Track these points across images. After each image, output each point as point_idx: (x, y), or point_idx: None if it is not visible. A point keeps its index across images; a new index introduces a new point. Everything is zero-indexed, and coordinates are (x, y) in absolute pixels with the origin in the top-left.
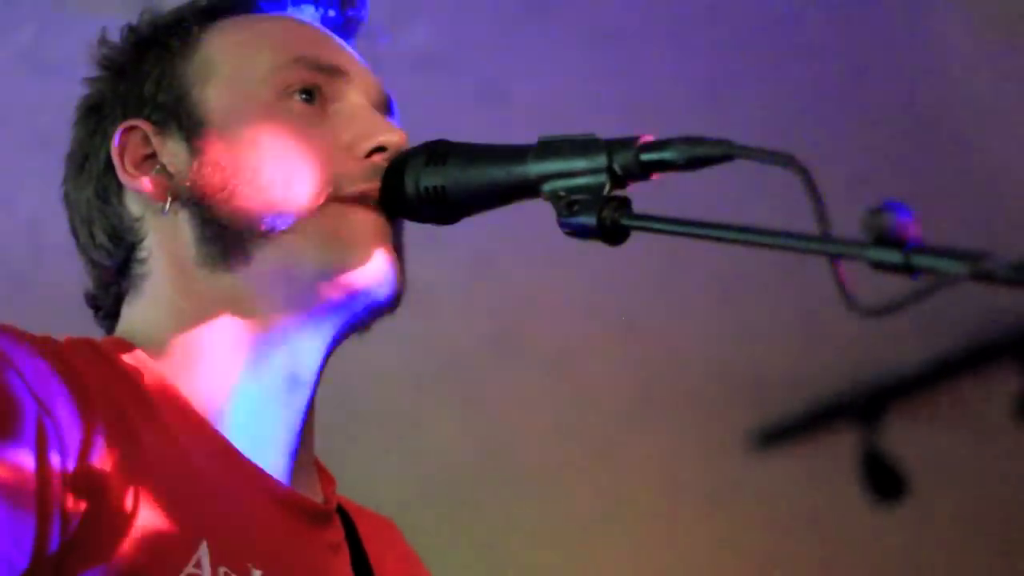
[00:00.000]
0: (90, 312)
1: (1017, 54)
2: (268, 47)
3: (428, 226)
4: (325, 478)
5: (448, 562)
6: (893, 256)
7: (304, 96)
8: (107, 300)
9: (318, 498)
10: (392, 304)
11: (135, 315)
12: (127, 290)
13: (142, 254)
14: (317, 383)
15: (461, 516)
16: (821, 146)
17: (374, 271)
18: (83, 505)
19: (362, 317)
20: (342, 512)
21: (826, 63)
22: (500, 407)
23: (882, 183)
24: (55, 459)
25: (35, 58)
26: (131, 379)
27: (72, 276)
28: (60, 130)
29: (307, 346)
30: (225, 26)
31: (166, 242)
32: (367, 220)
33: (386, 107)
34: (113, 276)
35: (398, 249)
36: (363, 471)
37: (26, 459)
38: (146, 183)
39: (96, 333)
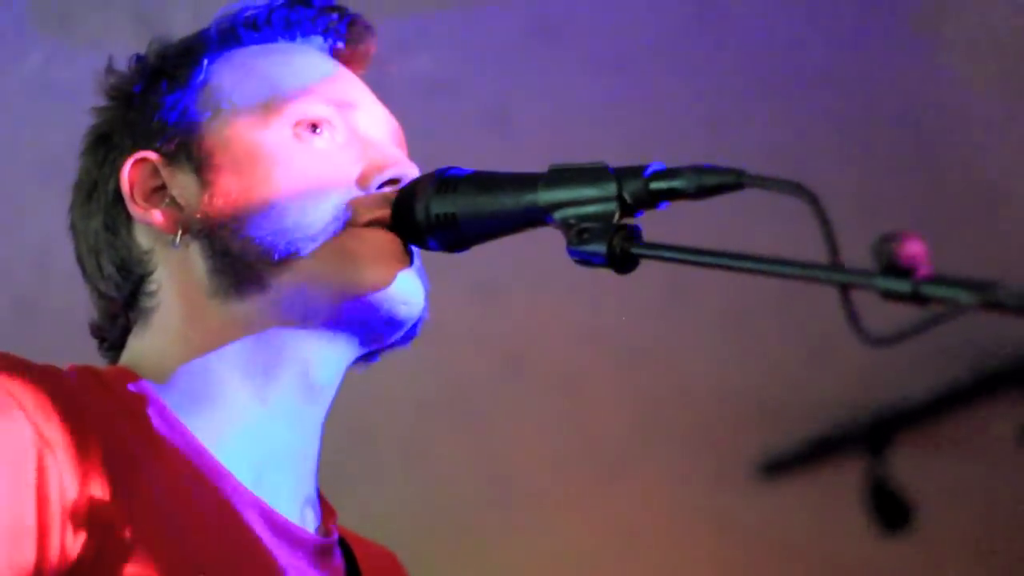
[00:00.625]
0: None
1: (1021, 79)
2: (278, 79)
3: (434, 253)
4: (327, 510)
5: None
6: (902, 285)
7: (315, 129)
8: (113, 331)
9: (319, 530)
10: (411, 322)
11: (142, 346)
12: (135, 321)
13: (151, 287)
14: (327, 413)
15: (466, 543)
16: (827, 173)
17: (393, 288)
18: (82, 539)
19: (381, 335)
20: (343, 544)
21: (831, 89)
22: (505, 434)
23: (888, 210)
24: (55, 492)
25: (43, 85)
26: (133, 409)
27: (79, 301)
28: (67, 156)
29: (320, 371)
30: (234, 57)
31: (177, 274)
32: (383, 239)
33: (396, 138)
34: (120, 308)
35: (416, 270)
36: (368, 498)
37: (26, 492)
38: (157, 216)
39: (102, 360)
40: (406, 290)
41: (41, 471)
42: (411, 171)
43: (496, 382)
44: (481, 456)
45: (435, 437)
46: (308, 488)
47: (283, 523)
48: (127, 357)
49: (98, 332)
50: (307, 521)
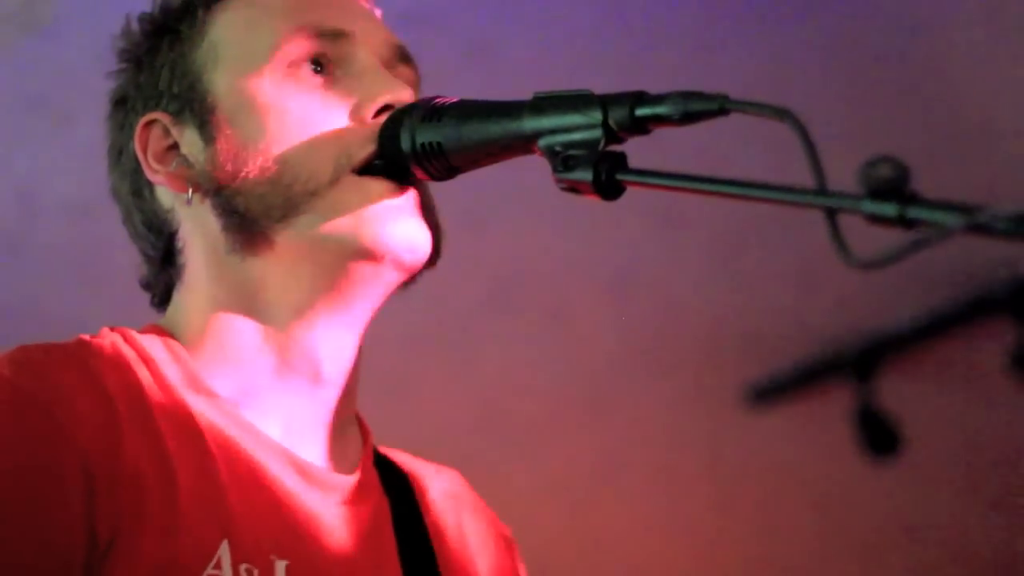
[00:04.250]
0: (83, 273)
1: (1010, 5)
2: (269, 21)
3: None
4: (367, 442)
5: None
6: (889, 209)
7: (310, 66)
8: (159, 287)
9: (355, 468)
10: (422, 262)
11: (179, 302)
12: (175, 278)
13: (179, 244)
14: (357, 358)
15: None
16: (812, 103)
17: (395, 238)
18: (110, 513)
19: (393, 282)
20: (394, 472)
21: (818, 15)
22: (495, 365)
23: (876, 136)
24: (83, 470)
25: (25, 19)
26: (161, 376)
27: (64, 238)
28: (50, 91)
29: (343, 324)
30: (228, 5)
31: (197, 231)
32: (382, 189)
33: (399, 59)
34: (159, 265)
35: (425, 210)
36: None
37: (54, 473)
38: (168, 175)
39: (88, 295)
40: (408, 237)
41: (70, 455)
42: (404, 95)
43: (484, 312)
44: (469, 386)
45: (424, 370)
46: (344, 428)
47: (313, 470)
48: (169, 313)
49: (147, 287)
50: (343, 460)
